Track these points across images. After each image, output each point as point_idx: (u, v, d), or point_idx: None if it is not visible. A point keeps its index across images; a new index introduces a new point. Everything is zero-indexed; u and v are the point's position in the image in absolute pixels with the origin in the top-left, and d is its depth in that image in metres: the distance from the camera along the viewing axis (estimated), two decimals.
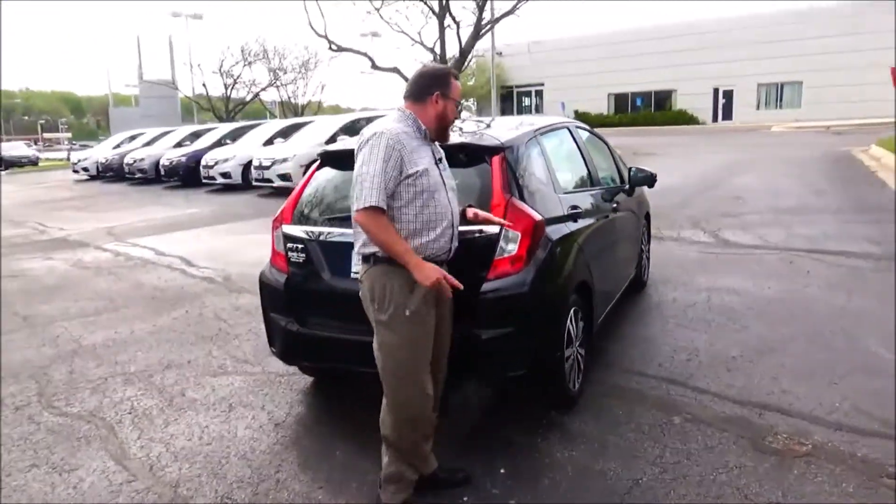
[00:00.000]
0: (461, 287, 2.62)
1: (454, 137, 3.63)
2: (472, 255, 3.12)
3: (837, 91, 35.37)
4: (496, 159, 3.27)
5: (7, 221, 13.90)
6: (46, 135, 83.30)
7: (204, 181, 17.70)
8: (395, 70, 18.16)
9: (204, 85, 38.88)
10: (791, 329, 4.67)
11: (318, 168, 3.70)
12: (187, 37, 71.87)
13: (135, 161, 21.32)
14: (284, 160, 15.02)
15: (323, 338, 3.43)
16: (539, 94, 48.42)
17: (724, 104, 41.18)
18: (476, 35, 16.94)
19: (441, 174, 2.70)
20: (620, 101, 45.10)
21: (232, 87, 38.73)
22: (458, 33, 16.80)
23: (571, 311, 3.48)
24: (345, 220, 3.33)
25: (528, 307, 3.12)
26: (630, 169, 5.07)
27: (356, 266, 3.27)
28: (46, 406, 4.06)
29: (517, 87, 48.65)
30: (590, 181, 4.39)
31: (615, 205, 4.59)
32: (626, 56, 42.06)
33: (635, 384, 3.89)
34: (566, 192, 3.82)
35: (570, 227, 3.60)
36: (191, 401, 4.02)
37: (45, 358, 4.96)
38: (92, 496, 3.00)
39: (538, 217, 3.22)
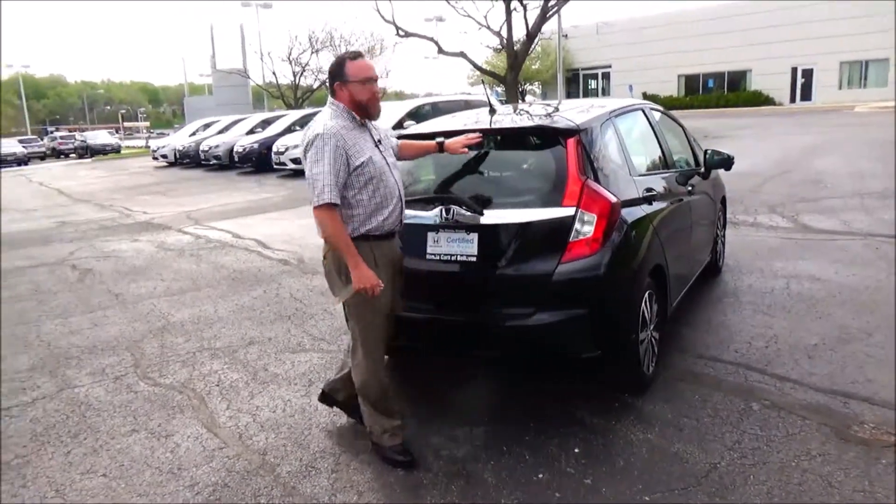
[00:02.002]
0: (379, 290, 2.83)
1: (526, 121, 3.67)
2: (546, 238, 3.16)
3: None
4: (571, 141, 3.28)
5: (95, 205, 14.74)
6: (126, 124, 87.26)
7: (275, 167, 18.24)
8: (462, 55, 18.16)
9: (274, 73, 39.81)
10: (875, 318, 4.49)
11: None
12: (257, 25, 73.68)
13: (210, 148, 22.14)
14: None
15: (400, 318, 3.52)
16: (606, 76, 47.31)
17: (804, 84, 39.18)
18: (543, 17, 16.72)
19: (383, 155, 2.93)
20: (691, 82, 43.58)
21: (300, 75, 39.49)
22: (524, 16, 16.64)
23: (646, 294, 3.47)
24: (419, 202, 3.43)
25: (603, 289, 3.14)
26: (706, 151, 4.96)
27: (432, 247, 3.39)
28: (142, 377, 4.35)
29: (583, 69, 47.67)
30: (664, 164, 4.32)
31: (690, 188, 4.51)
32: (696, 35, 40.56)
33: (711, 369, 3.84)
34: (641, 175, 3.78)
35: (645, 209, 3.57)
36: (273, 375, 4.22)
37: (138, 333, 5.29)
38: (188, 460, 3.21)
39: (614, 199, 3.22)
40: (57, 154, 43.76)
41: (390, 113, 17.09)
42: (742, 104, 38.47)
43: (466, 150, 3.34)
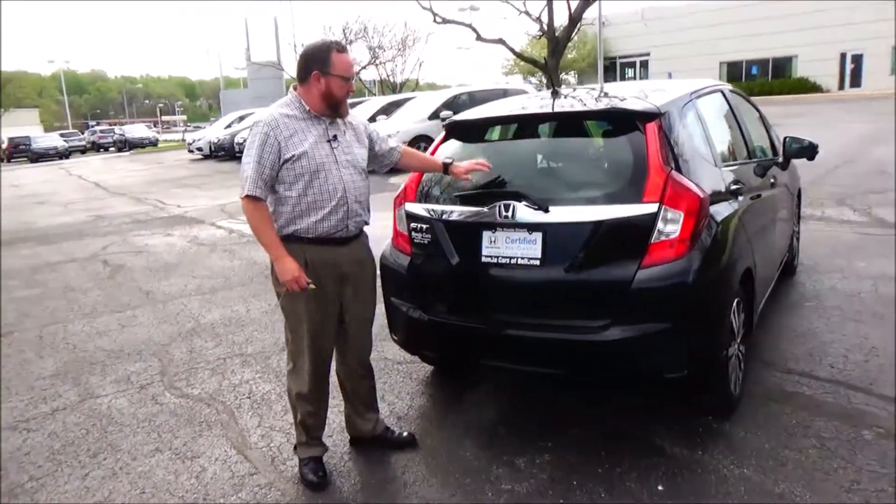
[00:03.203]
0: (307, 288, 2.61)
1: (596, 103, 3.22)
2: (622, 240, 2.72)
3: None
4: (651, 126, 2.81)
5: (130, 198, 14.67)
6: (164, 117, 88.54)
7: None
8: (501, 41, 17.58)
9: None
10: None
11: (444, 140, 3.38)
12: (291, 18, 73.88)
13: (244, 140, 21.94)
14: (388, 136, 14.91)
15: (449, 326, 3.13)
16: (644, 64, 46.07)
17: (853, 70, 37.56)
18: (586, 2, 16.08)
19: (333, 152, 2.66)
20: (733, 70, 42.12)
21: None
22: (567, 1, 15.98)
23: (734, 302, 3.00)
24: (473, 198, 3.03)
25: (691, 299, 2.68)
26: (784, 139, 4.43)
27: (488, 249, 2.97)
28: (169, 386, 4.03)
29: (620, 57, 46.53)
30: (747, 152, 3.83)
31: (772, 180, 4.01)
32: (738, 21, 39.09)
33: (805, 387, 3.35)
34: (726, 165, 3.30)
35: (733, 205, 3.09)
36: None
37: (166, 336, 4.99)
38: (215, 488, 2.86)
39: (703, 193, 2.75)
40: (97, 148, 44.36)
41: (426, 103, 16.69)
42: (788, 91, 37.03)
43: (469, 177, 3.01)
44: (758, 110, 4.59)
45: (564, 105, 3.23)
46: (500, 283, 2.95)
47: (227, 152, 23.67)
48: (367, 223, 2.86)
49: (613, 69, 47.34)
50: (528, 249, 2.86)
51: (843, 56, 37.60)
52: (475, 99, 16.86)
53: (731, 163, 3.46)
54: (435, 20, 17.86)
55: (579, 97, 3.39)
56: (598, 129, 3.10)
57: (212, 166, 22.03)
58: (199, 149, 26.17)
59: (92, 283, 6.86)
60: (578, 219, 2.78)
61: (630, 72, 47.63)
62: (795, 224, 5.19)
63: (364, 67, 42.43)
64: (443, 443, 3.12)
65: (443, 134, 3.39)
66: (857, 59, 37.28)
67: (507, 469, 2.83)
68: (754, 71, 41.43)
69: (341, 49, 2.68)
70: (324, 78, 2.62)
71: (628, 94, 3.25)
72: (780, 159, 4.42)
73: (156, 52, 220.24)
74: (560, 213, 2.80)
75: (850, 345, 3.80)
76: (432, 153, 3.34)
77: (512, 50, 18.41)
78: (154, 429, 3.47)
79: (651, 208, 2.67)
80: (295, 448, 2.96)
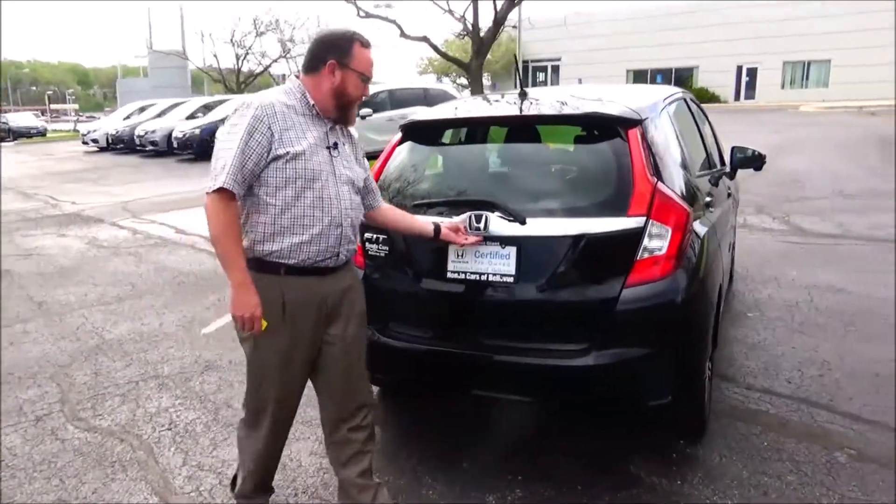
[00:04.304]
0: (258, 332, 2.11)
1: (571, 107, 2.99)
2: (605, 256, 2.50)
3: (867, 71, 34.16)
4: (634, 133, 2.61)
5: (18, 193, 13.32)
6: (54, 106, 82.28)
7: None
8: (425, 39, 17.27)
9: (215, 55, 38.04)
10: None
11: (400, 143, 3.05)
12: (199, 5, 70.50)
13: (146, 133, 20.64)
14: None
15: (406, 349, 2.80)
16: (556, 69, 47.23)
17: (748, 82, 40.00)
18: (511, 3, 16.07)
19: (332, 161, 2.18)
20: (639, 77, 43.84)
21: (243, 59, 37.82)
22: (493, 1, 15.89)
23: (714, 320, 2.86)
24: (436, 206, 2.73)
25: (679, 319, 2.50)
26: (732, 149, 4.40)
27: (454, 263, 2.68)
28: (71, 417, 3.48)
29: (532, 61, 47.41)
30: (708, 163, 3.73)
31: (729, 191, 3.94)
32: (646, 32, 40.82)
33: (768, 405, 3.27)
34: (698, 176, 3.17)
35: (710, 218, 2.96)
36: (239, 414, 3.41)
37: (66, 354, 4.38)
38: None
39: (689, 207, 2.58)
40: None
41: None
42: None
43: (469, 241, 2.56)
44: (708, 119, 4.54)
45: (538, 108, 2.97)
46: (468, 301, 2.66)
47: (126, 145, 22.09)
48: (355, 252, 2.39)
49: (525, 73, 48.20)
50: (500, 265, 2.59)
51: (739, 69, 39.94)
52: (395, 97, 16.49)
53: (700, 173, 3.33)
54: (359, 14, 17.38)
55: (550, 100, 3.15)
56: (577, 134, 2.86)
57: (110, 159, 20.47)
58: (95, 140, 24.30)
59: None
60: (557, 232, 2.53)
61: (541, 75, 48.68)
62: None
63: (275, 60, 41.16)
64: (400, 479, 2.79)
65: (398, 136, 3.05)
66: (752, 73, 39.71)
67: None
68: (659, 79, 43.24)
69: (366, 44, 2.20)
70: (340, 70, 2.14)
71: (595, 99, 3.05)
72: (728, 169, 4.38)
73: (45, 35, 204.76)
74: (537, 226, 2.54)
75: (801, 358, 3.78)
76: (388, 155, 3.00)
77: (436, 49, 18.21)
78: (55, 473, 2.94)
79: (637, 222, 2.46)
80: (233, 484, 2.50)
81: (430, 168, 2.99)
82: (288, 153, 2.06)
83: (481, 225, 2.56)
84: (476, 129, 3.22)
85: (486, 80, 47.76)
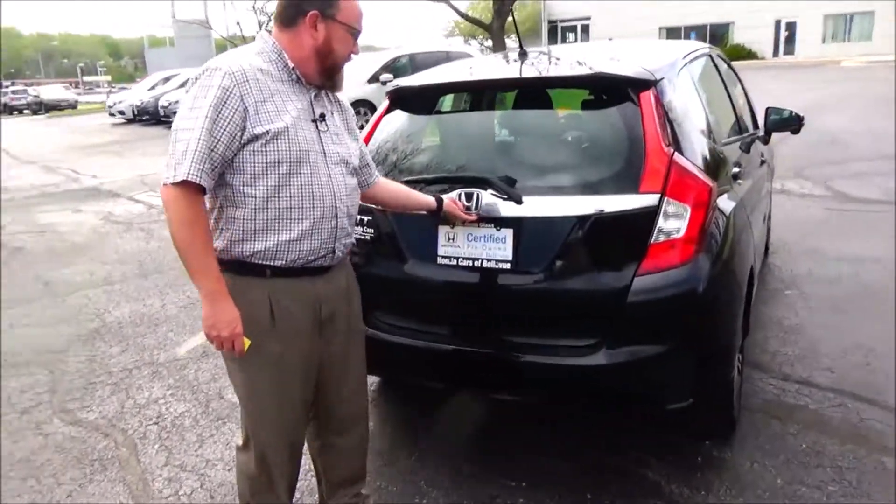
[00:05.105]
0: (241, 353, 1.74)
1: (575, 67, 2.64)
2: (614, 240, 2.19)
3: None
4: (647, 96, 2.26)
5: (42, 167, 13.38)
6: (86, 78, 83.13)
7: None
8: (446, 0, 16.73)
9: (238, 24, 37.70)
10: None
11: (388, 111, 2.74)
12: None
13: (170, 104, 20.51)
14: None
15: (391, 343, 2.54)
16: (585, 28, 45.77)
17: (787, 37, 38.23)
18: None
19: (320, 137, 1.79)
20: (672, 35, 42.16)
21: (266, 25, 37.43)
22: None
23: (743, 310, 2.53)
24: (428, 185, 2.43)
25: (701, 312, 2.18)
26: (766, 110, 3.99)
27: (445, 248, 2.40)
28: (58, 409, 3.33)
29: (561, 21, 46.03)
30: (738, 128, 3.35)
31: (762, 157, 3.56)
32: None
33: (807, 398, 2.94)
34: (724, 144, 2.81)
35: (738, 192, 2.61)
36: (231, 406, 3.22)
37: (64, 339, 4.24)
38: None
39: (711, 182, 2.24)
40: (10, 110, 41.17)
41: (364, 66, 15.73)
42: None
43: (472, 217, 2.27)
44: (739, 78, 4.12)
45: (537, 70, 2.63)
46: (460, 290, 2.38)
47: (151, 116, 22.08)
48: (354, 245, 2.06)
49: (554, 33, 46.86)
50: (495, 250, 2.29)
51: (777, 23, 38.17)
52: (416, 62, 15.98)
53: (727, 140, 2.96)
54: None
55: (553, 60, 2.80)
56: (582, 98, 2.52)
57: (135, 131, 20.51)
58: (121, 112, 24.40)
59: None
60: (559, 213, 2.22)
61: (571, 36, 47.24)
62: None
63: None
64: (396, 487, 2.56)
65: (385, 103, 2.74)
66: (791, 27, 37.92)
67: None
68: (693, 36, 41.57)
69: None
70: (323, 23, 1.74)
71: (605, 58, 2.70)
72: (762, 133, 3.98)
73: (74, 7, 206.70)
74: (536, 206, 2.23)
75: (845, 344, 3.42)
76: (374, 126, 2.70)
77: (455, 9, 17.63)
78: (32, 472, 2.79)
79: (650, 200, 2.13)
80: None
81: (418, 140, 2.67)
82: (268, 132, 1.66)
83: (472, 204, 2.26)
84: (471, 95, 2.89)
85: (513, 42, 46.77)
